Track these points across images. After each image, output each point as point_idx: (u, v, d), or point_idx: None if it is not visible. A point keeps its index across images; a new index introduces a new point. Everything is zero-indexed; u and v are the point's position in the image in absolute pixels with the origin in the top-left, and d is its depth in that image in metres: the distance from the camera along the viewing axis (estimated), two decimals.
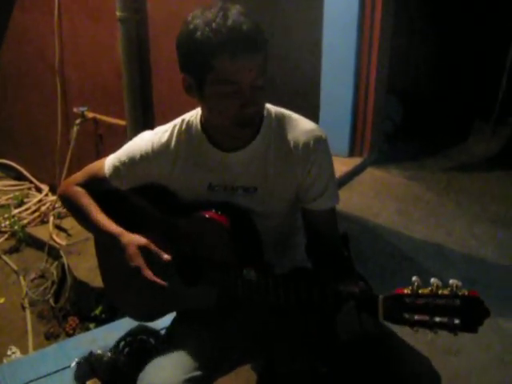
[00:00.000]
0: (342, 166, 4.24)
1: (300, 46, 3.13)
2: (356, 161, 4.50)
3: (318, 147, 1.49)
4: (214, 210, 1.50)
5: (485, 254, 3.30)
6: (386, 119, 4.95)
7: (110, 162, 1.64)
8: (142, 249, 1.52)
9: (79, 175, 1.71)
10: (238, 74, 1.32)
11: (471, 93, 5.23)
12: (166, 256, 1.51)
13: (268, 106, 1.53)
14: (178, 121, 1.58)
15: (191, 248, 1.55)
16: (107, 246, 1.68)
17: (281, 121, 1.52)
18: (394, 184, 4.29)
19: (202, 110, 1.50)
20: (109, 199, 1.66)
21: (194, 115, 1.55)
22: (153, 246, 1.52)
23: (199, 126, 1.53)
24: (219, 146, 1.51)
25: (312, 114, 3.35)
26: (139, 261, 1.50)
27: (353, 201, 3.90)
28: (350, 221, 3.59)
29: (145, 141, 1.59)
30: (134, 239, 1.54)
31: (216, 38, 1.29)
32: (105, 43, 3.10)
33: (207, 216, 1.50)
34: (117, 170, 1.61)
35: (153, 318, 1.81)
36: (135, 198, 1.67)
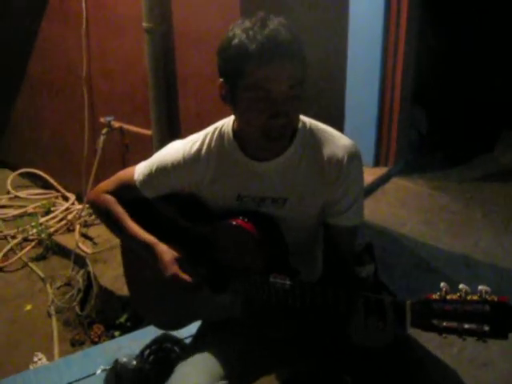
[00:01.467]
0: (367, 175, 4.19)
1: (325, 56, 3.13)
2: (381, 170, 4.47)
3: (351, 164, 1.49)
4: (241, 218, 1.51)
5: (511, 264, 3.25)
6: (412, 129, 4.92)
7: (140, 170, 1.65)
8: (177, 258, 1.54)
9: (109, 182, 1.73)
10: (269, 81, 1.32)
11: (498, 101, 5.18)
12: (202, 266, 1.55)
13: (303, 117, 1.52)
14: (210, 129, 1.58)
15: (218, 256, 1.56)
16: (134, 254, 1.69)
17: (315, 134, 1.52)
18: (420, 194, 4.25)
19: (235, 117, 1.50)
20: (137, 207, 1.68)
21: (227, 123, 1.55)
22: (186, 256, 1.55)
23: (231, 134, 1.53)
24: (251, 156, 1.51)
25: (337, 123, 3.34)
26: (175, 269, 1.53)
27: (378, 210, 3.87)
28: (375, 230, 3.56)
29: (176, 150, 1.59)
30: (168, 249, 1.56)
31: (251, 43, 1.30)
32: (131, 54, 3.14)
33: (234, 223, 1.50)
34: (147, 178, 1.62)
35: (178, 327, 1.82)
36: (163, 206, 1.68)
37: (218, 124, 1.58)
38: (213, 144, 1.55)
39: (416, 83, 4.51)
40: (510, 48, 5.07)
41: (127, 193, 1.68)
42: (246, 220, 1.50)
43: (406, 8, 4.04)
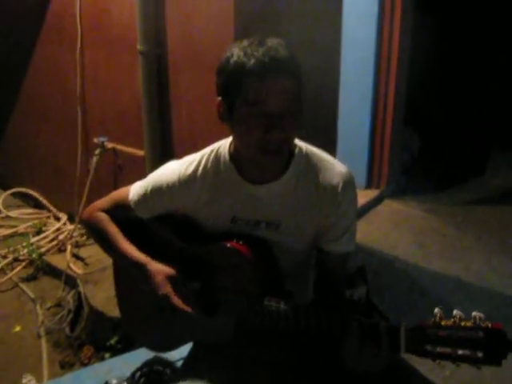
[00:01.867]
0: (359, 197, 4.12)
1: (318, 79, 3.16)
2: (373, 192, 4.48)
3: (346, 191, 1.50)
4: (235, 240, 1.51)
5: (504, 288, 3.25)
6: (404, 151, 4.95)
7: (135, 190, 1.64)
8: (170, 278, 1.53)
9: (103, 201, 1.72)
10: (267, 95, 1.33)
11: (489, 125, 5.22)
12: (195, 284, 1.53)
13: (299, 143, 1.53)
14: (206, 150, 1.58)
15: (212, 277, 1.55)
16: (126, 274, 1.68)
17: (311, 159, 1.53)
18: (412, 216, 4.26)
19: (232, 137, 1.51)
20: (131, 227, 1.67)
21: (224, 145, 1.56)
22: (179, 276, 1.54)
23: (228, 156, 1.53)
24: (247, 178, 1.51)
25: (330, 145, 3.36)
26: (168, 288, 1.52)
27: (370, 233, 3.88)
28: (368, 253, 3.56)
29: (171, 170, 1.59)
30: (161, 268, 1.55)
31: (249, 60, 1.32)
32: (125, 75, 3.16)
33: (228, 245, 1.50)
34: (141, 198, 1.62)
35: (169, 349, 1.80)
36: (157, 226, 1.68)
37: (215, 145, 1.58)
38: (209, 165, 1.55)
39: (408, 105, 4.54)
40: (500, 69, 5.13)
41: (121, 212, 1.67)
42: (240, 242, 1.50)
43: (398, 29, 4.09)
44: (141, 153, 3.13)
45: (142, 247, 1.63)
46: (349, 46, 3.71)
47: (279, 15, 2.77)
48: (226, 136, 1.62)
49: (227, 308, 1.52)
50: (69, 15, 3.31)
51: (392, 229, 4.03)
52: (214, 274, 1.55)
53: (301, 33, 2.94)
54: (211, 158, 1.56)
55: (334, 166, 1.52)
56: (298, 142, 1.53)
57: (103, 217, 1.68)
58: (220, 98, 1.44)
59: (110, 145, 3.32)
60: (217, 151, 1.56)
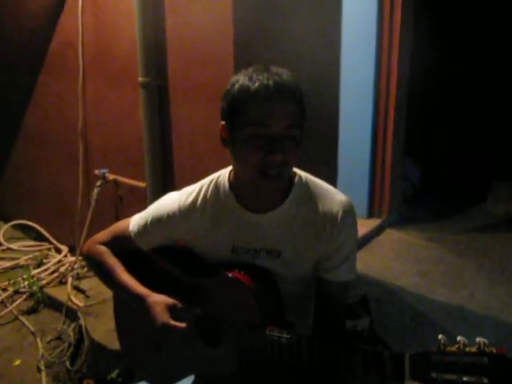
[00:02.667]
0: (360, 227, 4.17)
1: (317, 108, 3.18)
2: (375, 222, 4.48)
3: (346, 220, 1.51)
4: (237, 270, 1.50)
5: (507, 316, 3.23)
6: (404, 180, 4.96)
7: (135, 221, 1.65)
8: (169, 308, 1.52)
9: (103, 234, 1.73)
10: (269, 117, 1.35)
11: (489, 153, 5.24)
12: (195, 310, 1.52)
13: (299, 172, 1.55)
14: (205, 181, 1.60)
15: (213, 308, 1.54)
16: (126, 307, 1.68)
17: (311, 188, 1.54)
18: (414, 245, 4.25)
19: (233, 163, 1.52)
20: (131, 259, 1.67)
21: (223, 174, 1.57)
22: (181, 305, 1.53)
23: (227, 185, 1.54)
24: (246, 207, 1.52)
25: (330, 175, 3.37)
26: (165, 317, 1.50)
27: (372, 263, 3.87)
28: (370, 283, 3.55)
29: (172, 200, 1.60)
30: (160, 299, 1.54)
31: (253, 84, 1.35)
32: (127, 107, 3.18)
33: (230, 275, 1.50)
34: (142, 229, 1.63)
35: (170, 382, 1.78)
36: (157, 257, 1.67)
37: (214, 175, 1.60)
38: (208, 195, 1.57)
39: (408, 136, 4.57)
40: (502, 100, 5.16)
41: (122, 244, 1.67)
42: (242, 272, 1.50)
43: (397, 59, 4.13)
44: (142, 184, 3.14)
45: (142, 278, 1.63)
46: (348, 71, 3.74)
47: (279, 36, 2.80)
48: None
49: (229, 338, 1.51)
50: (71, 48, 3.35)
51: (394, 258, 4.01)
52: (215, 304, 1.54)
53: (300, 57, 2.97)
54: (211, 187, 1.57)
55: (334, 195, 1.53)
56: (297, 170, 1.54)
57: (103, 250, 1.69)
58: (223, 122, 1.46)
59: (111, 176, 3.33)
60: (216, 180, 1.57)
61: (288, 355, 1.37)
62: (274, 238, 1.52)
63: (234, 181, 1.53)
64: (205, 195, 1.57)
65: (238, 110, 1.39)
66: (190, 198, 1.58)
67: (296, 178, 1.53)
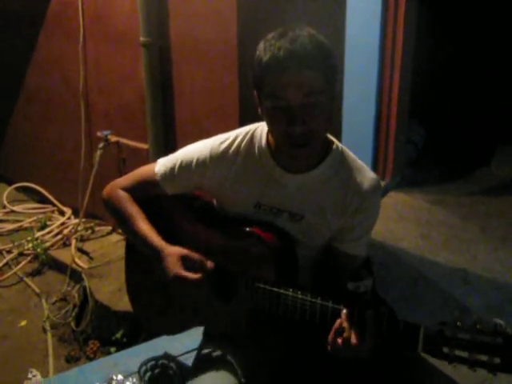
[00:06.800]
0: None
1: None
2: None
3: (373, 198, 1.52)
4: (258, 226, 1.50)
5: (510, 279, 3.23)
6: (409, 143, 4.93)
7: (162, 163, 1.62)
8: (184, 258, 1.50)
9: (125, 179, 1.70)
10: (286, 89, 1.32)
11: (493, 115, 5.20)
12: (209, 263, 1.51)
13: (336, 141, 1.53)
14: (242, 130, 1.57)
15: (229, 262, 1.53)
16: (138, 256, 1.66)
17: (346, 159, 1.53)
18: (417, 208, 4.25)
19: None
20: (150, 207, 1.65)
21: (262, 128, 1.55)
22: (195, 255, 1.51)
23: (264, 140, 1.52)
24: (280, 165, 1.50)
25: (334, 137, 3.34)
26: (178, 267, 1.48)
27: (376, 225, 3.86)
28: (373, 245, 3.55)
29: (204, 145, 1.58)
30: (174, 250, 1.52)
31: (265, 55, 1.33)
32: (128, 68, 3.14)
33: (251, 230, 1.49)
34: (170, 172, 1.59)
35: (179, 331, 1.78)
36: (177, 206, 1.66)
37: (252, 127, 1.57)
38: (242, 146, 1.54)
39: (413, 98, 4.52)
40: (507, 64, 5.10)
41: (145, 188, 1.65)
42: (263, 229, 1.49)
43: (402, 23, 4.06)
44: (145, 146, 3.13)
45: (160, 227, 1.60)
46: (353, 39, 3.68)
47: (284, 9, 2.75)
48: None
49: (241, 294, 1.50)
50: (71, 8, 3.30)
51: (398, 221, 4.01)
52: (231, 259, 1.53)
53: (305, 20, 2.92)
54: (246, 138, 1.55)
55: (366, 172, 1.53)
56: (333, 138, 1.53)
57: (124, 195, 1.65)
58: (255, 91, 1.45)
59: (113, 138, 3.31)
60: (253, 133, 1.55)
61: (301, 316, 1.37)
62: (300, 201, 1.51)
63: (271, 138, 1.51)
64: (238, 146, 1.54)
65: (259, 83, 1.38)
66: (223, 146, 1.54)
67: (334, 146, 1.52)
